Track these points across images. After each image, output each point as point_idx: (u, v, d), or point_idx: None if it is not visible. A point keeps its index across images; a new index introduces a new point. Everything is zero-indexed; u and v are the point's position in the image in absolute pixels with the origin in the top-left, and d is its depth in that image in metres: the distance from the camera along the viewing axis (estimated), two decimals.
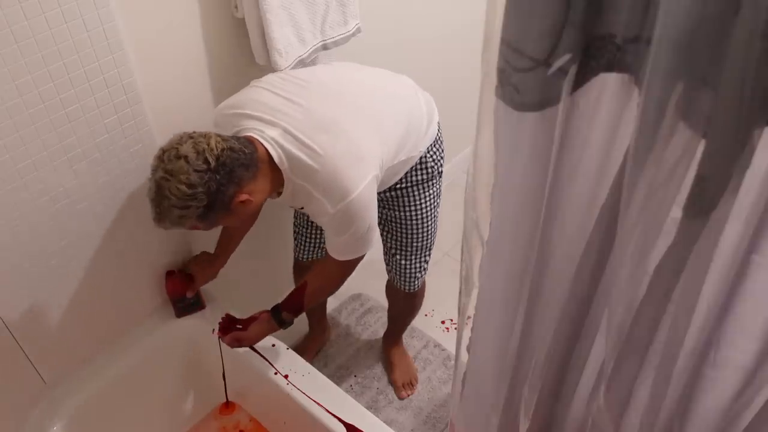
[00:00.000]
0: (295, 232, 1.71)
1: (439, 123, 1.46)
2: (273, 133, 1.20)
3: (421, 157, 1.42)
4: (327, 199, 1.20)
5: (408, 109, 1.37)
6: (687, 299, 0.66)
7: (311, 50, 1.49)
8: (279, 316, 1.40)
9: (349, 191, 1.19)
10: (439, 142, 1.46)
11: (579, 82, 0.60)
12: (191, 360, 1.62)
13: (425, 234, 1.56)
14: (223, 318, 1.48)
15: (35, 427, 1.37)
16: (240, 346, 1.45)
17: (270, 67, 1.42)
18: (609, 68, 0.59)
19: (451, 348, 2.01)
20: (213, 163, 1.10)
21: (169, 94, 1.36)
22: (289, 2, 1.36)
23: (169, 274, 1.53)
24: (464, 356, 0.98)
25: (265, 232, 1.74)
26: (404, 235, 1.56)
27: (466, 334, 0.94)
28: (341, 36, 1.55)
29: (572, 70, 0.58)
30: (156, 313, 1.58)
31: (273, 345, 1.50)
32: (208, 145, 1.11)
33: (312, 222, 1.64)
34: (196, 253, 1.58)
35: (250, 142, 1.18)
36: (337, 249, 1.32)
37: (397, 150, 1.32)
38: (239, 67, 1.47)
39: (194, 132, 1.15)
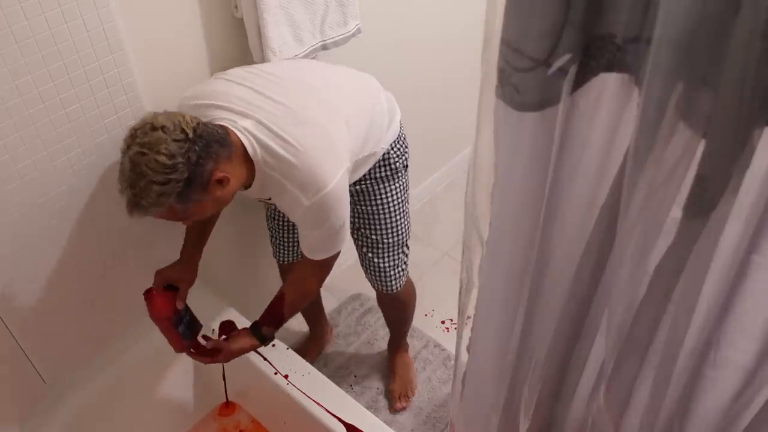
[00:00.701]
0: (271, 235, 1.69)
1: (401, 121, 1.46)
2: (245, 123, 1.18)
3: (383, 154, 1.42)
4: (302, 191, 1.18)
5: (371, 104, 1.37)
6: (687, 299, 0.66)
7: (310, 50, 1.49)
8: (259, 332, 1.36)
9: (325, 184, 1.18)
10: (401, 138, 1.47)
11: (579, 82, 0.60)
12: (191, 360, 1.62)
13: (396, 229, 1.54)
14: (225, 321, 1.47)
15: (35, 427, 1.37)
16: (213, 362, 1.36)
17: None
18: (609, 68, 0.59)
19: (451, 348, 2.01)
20: (191, 134, 1.07)
21: (169, 94, 1.36)
22: (287, 2, 1.36)
23: (147, 293, 1.36)
24: (464, 356, 0.98)
25: (262, 230, 1.74)
26: (374, 231, 1.54)
27: (466, 334, 0.94)
28: (341, 36, 1.55)
29: (572, 70, 0.58)
30: None
31: (273, 345, 1.50)
32: (183, 118, 1.08)
33: (286, 223, 1.62)
34: None
35: (223, 128, 1.15)
36: (312, 246, 1.30)
37: (363, 144, 1.32)
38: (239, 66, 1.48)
39: (164, 111, 1.11)
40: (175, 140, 1.05)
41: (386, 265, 1.59)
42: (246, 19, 1.36)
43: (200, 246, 1.47)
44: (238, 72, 1.29)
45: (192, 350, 1.38)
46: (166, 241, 1.49)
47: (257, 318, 1.38)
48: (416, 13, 1.96)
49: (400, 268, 1.62)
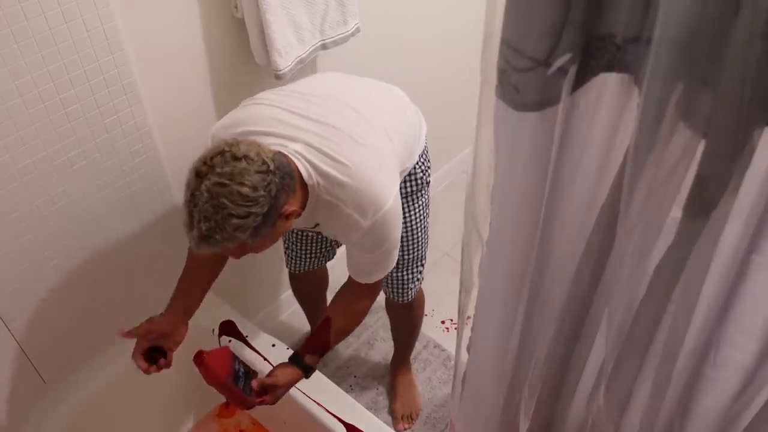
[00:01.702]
0: (286, 246, 1.66)
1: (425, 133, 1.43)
2: (296, 147, 1.11)
3: (410, 170, 1.38)
4: (360, 213, 1.12)
5: (403, 118, 1.34)
6: (687, 299, 0.66)
7: (311, 50, 1.49)
8: (302, 362, 1.26)
9: (383, 202, 1.13)
10: (426, 152, 1.43)
11: (579, 82, 0.60)
12: (191, 360, 1.62)
13: (416, 245, 1.51)
14: (225, 321, 1.45)
15: (35, 427, 1.37)
16: (269, 403, 1.24)
17: (269, 67, 1.42)
18: (609, 68, 0.59)
19: (451, 348, 2.01)
20: (271, 165, 1.00)
21: (169, 94, 1.36)
22: (288, 2, 1.36)
23: (197, 357, 1.21)
24: (464, 356, 0.98)
25: None
26: None
27: (466, 334, 0.94)
28: (340, 36, 1.55)
29: (572, 70, 0.58)
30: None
31: (273, 345, 1.50)
32: (260, 147, 1.01)
33: (304, 235, 1.58)
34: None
35: (283, 155, 1.08)
36: (364, 270, 1.24)
37: (403, 160, 1.29)
38: (239, 66, 1.48)
39: (234, 139, 1.03)
40: (258, 171, 0.98)
41: (404, 278, 1.57)
42: (247, 20, 1.36)
43: (201, 295, 1.34)
44: (269, 95, 1.23)
45: (258, 402, 1.23)
46: (167, 241, 1.49)
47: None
48: (415, 12, 1.96)
49: (416, 279, 1.60)
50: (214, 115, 1.48)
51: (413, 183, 1.41)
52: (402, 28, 1.94)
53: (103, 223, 1.34)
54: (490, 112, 0.66)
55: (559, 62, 0.57)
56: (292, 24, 1.40)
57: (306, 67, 1.52)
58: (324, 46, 1.53)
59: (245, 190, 0.96)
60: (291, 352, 1.50)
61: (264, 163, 0.99)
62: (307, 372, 1.27)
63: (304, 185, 1.11)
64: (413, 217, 1.46)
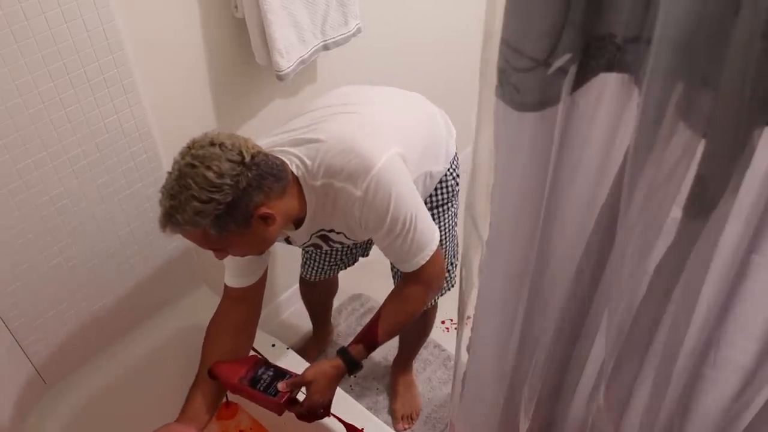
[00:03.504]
0: (304, 256, 1.67)
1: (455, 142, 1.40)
2: (285, 146, 1.12)
3: (441, 177, 1.35)
4: (351, 182, 1.07)
5: (425, 116, 1.31)
6: (687, 299, 0.66)
7: (312, 50, 1.49)
8: (348, 356, 1.18)
9: (370, 162, 1.07)
10: (456, 159, 1.40)
11: (579, 82, 0.60)
12: (191, 360, 1.62)
13: (444, 253, 1.45)
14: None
15: (35, 427, 1.37)
16: (311, 406, 1.17)
17: (270, 67, 1.42)
18: (609, 68, 0.59)
19: (451, 348, 2.01)
20: (247, 159, 0.99)
21: (169, 94, 1.36)
22: (289, 2, 1.36)
23: (211, 371, 1.19)
24: (464, 356, 0.98)
25: None
26: None
27: (466, 334, 0.94)
28: (342, 36, 1.55)
29: (572, 70, 0.58)
30: (156, 313, 1.58)
31: (273, 345, 1.50)
32: (246, 142, 1.02)
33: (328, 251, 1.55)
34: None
35: (280, 160, 1.08)
36: (398, 254, 1.15)
37: (422, 153, 1.22)
38: (239, 67, 1.48)
39: (222, 132, 1.05)
40: (229, 160, 0.98)
41: None
42: (248, 20, 1.36)
43: (219, 398, 1.22)
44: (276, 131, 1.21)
45: (290, 406, 1.17)
46: (167, 241, 1.49)
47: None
48: (416, 13, 1.97)
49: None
50: (214, 116, 1.48)
51: (445, 191, 1.37)
52: (403, 29, 1.94)
53: (102, 223, 1.34)
54: (490, 112, 0.66)
55: (559, 62, 0.57)
56: (293, 24, 1.40)
57: (307, 68, 1.52)
58: (325, 47, 1.53)
59: (210, 174, 0.96)
60: (291, 352, 1.50)
61: (240, 154, 0.99)
62: (352, 366, 1.17)
63: (301, 190, 1.10)
64: (443, 226, 1.42)
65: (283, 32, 1.37)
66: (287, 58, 1.41)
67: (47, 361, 1.38)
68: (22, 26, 1.04)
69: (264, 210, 1.03)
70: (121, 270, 1.44)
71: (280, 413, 1.17)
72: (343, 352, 1.18)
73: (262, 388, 1.14)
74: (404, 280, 1.22)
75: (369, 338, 1.19)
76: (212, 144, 0.99)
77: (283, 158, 1.10)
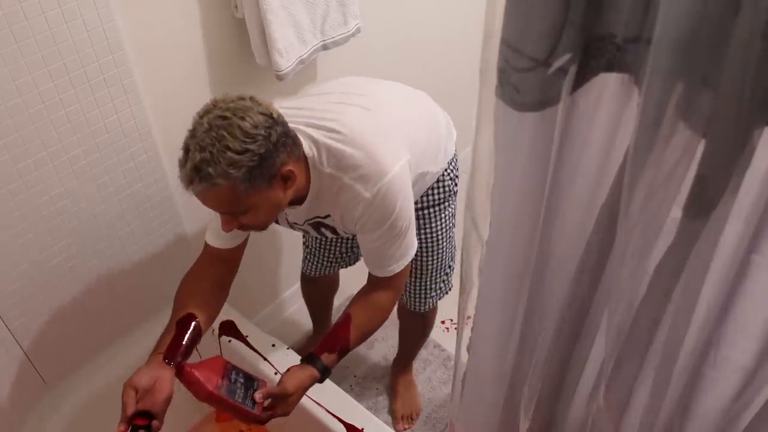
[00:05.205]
0: (304, 244, 1.67)
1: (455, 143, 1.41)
2: (298, 125, 1.11)
3: (439, 177, 1.36)
4: (361, 183, 1.08)
5: (427, 113, 1.32)
6: (687, 299, 0.66)
7: (311, 50, 1.49)
8: (319, 362, 1.16)
9: (385, 170, 1.08)
10: (455, 161, 1.41)
11: (579, 82, 0.60)
12: (190, 361, 1.62)
13: (440, 255, 1.48)
14: (225, 321, 1.45)
15: (35, 427, 1.37)
16: (282, 414, 1.13)
17: (270, 67, 1.42)
18: (609, 68, 0.59)
19: (451, 348, 2.01)
20: (276, 116, 1.00)
21: (169, 94, 1.36)
22: (289, 2, 1.36)
23: (178, 373, 1.09)
24: (464, 356, 0.98)
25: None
26: (418, 257, 1.46)
27: (466, 334, 0.94)
28: (341, 36, 1.55)
29: (572, 70, 0.58)
30: (156, 314, 1.58)
31: (273, 345, 1.50)
32: (270, 103, 1.02)
33: (325, 240, 1.57)
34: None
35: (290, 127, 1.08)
36: (377, 258, 1.18)
37: (422, 152, 1.23)
38: (239, 67, 1.48)
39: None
40: (261, 113, 0.97)
41: (425, 287, 1.55)
42: (248, 20, 1.36)
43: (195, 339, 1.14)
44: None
45: (263, 415, 1.11)
46: (167, 241, 1.49)
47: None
48: (416, 13, 1.97)
49: (436, 291, 1.57)
50: None
51: (441, 191, 1.38)
52: (402, 29, 1.94)
53: (102, 223, 1.34)
54: (490, 112, 0.66)
55: (559, 62, 0.57)
56: (292, 24, 1.40)
57: (306, 68, 1.52)
58: (325, 47, 1.53)
59: (246, 124, 0.95)
60: (291, 352, 1.50)
61: (269, 110, 0.99)
62: (324, 374, 1.16)
63: (308, 172, 1.10)
64: (439, 226, 1.43)
65: (282, 32, 1.37)
66: (286, 58, 1.41)
67: (47, 361, 1.38)
68: (22, 26, 1.04)
69: (287, 168, 1.02)
70: (121, 270, 1.44)
71: (257, 423, 1.13)
72: (314, 360, 1.16)
73: (240, 399, 1.09)
74: (374, 285, 1.23)
75: (342, 346, 1.19)
76: (241, 98, 0.99)
77: (301, 138, 1.10)
